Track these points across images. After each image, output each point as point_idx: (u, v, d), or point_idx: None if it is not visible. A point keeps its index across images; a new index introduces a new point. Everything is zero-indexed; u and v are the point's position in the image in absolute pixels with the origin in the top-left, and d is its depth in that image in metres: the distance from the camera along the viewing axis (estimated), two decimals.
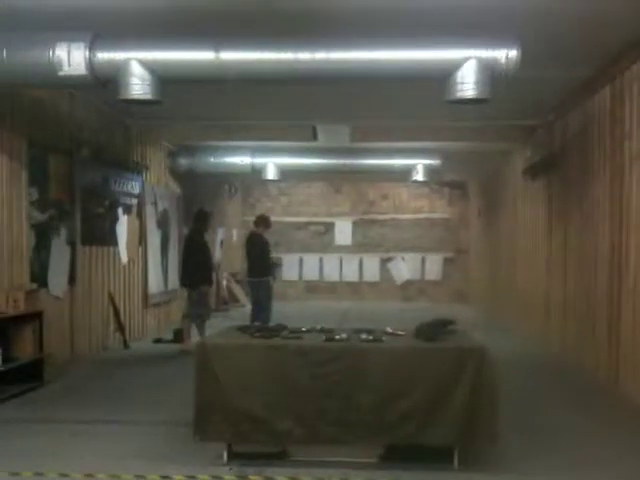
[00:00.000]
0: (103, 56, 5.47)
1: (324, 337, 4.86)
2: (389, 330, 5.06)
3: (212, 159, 12.38)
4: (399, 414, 4.47)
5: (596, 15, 5.79)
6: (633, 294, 6.61)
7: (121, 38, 5.58)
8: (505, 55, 5.50)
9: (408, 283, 18.33)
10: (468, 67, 5.51)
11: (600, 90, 7.61)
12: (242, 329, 5.24)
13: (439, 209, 18.48)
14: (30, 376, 6.92)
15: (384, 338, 4.81)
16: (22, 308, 6.93)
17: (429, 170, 12.57)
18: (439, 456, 4.57)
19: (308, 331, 5.13)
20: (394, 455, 4.67)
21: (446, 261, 18.29)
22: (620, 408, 6.34)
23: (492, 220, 14.81)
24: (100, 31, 5.45)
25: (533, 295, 10.91)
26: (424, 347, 4.63)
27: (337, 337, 4.83)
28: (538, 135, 10.53)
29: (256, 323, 7.65)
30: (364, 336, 4.85)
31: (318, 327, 5.25)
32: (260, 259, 10.39)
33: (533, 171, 10.59)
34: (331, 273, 18.47)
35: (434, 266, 18.30)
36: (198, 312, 9.65)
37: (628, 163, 6.79)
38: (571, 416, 6.04)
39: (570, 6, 5.63)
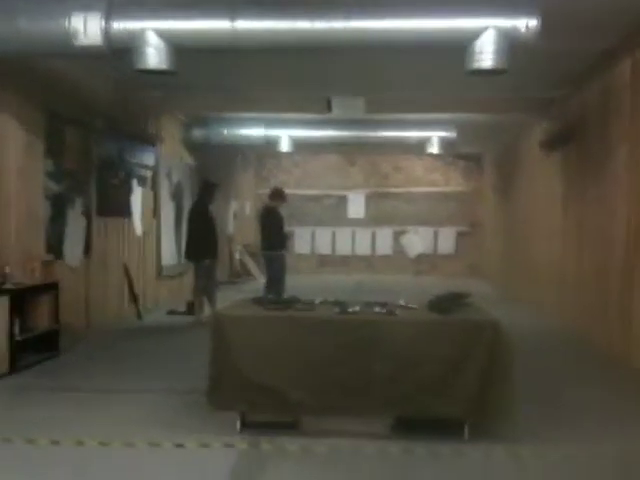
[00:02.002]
0: (119, 26, 5.45)
1: (337, 309, 4.86)
2: (402, 303, 5.05)
3: (226, 131, 12.35)
4: (412, 386, 4.49)
5: None
6: None
7: (136, 7, 5.54)
8: (525, 25, 5.42)
9: (421, 257, 18.30)
10: (487, 36, 5.44)
11: (620, 62, 7.48)
12: (256, 301, 5.26)
13: (453, 182, 18.37)
14: (46, 346, 7.01)
15: (397, 311, 4.80)
16: (38, 278, 7.00)
17: (444, 143, 12.48)
18: (449, 428, 4.60)
19: (321, 303, 5.14)
20: (404, 426, 4.70)
21: (459, 235, 18.23)
22: (631, 380, 6.34)
23: (507, 194, 14.71)
24: (114, 1, 5.41)
25: (547, 270, 10.86)
26: (437, 320, 4.63)
27: (350, 310, 4.83)
28: (555, 107, 10.40)
29: (270, 296, 7.66)
30: (377, 309, 4.85)
31: (331, 300, 5.26)
32: (275, 233, 10.36)
33: (550, 144, 10.47)
34: (344, 246, 18.47)
35: (447, 240, 18.25)
36: (205, 285, 9.68)
37: None
38: (582, 388, 6.05)
39: None
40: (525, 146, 12.96)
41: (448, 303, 4.85)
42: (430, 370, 4.48)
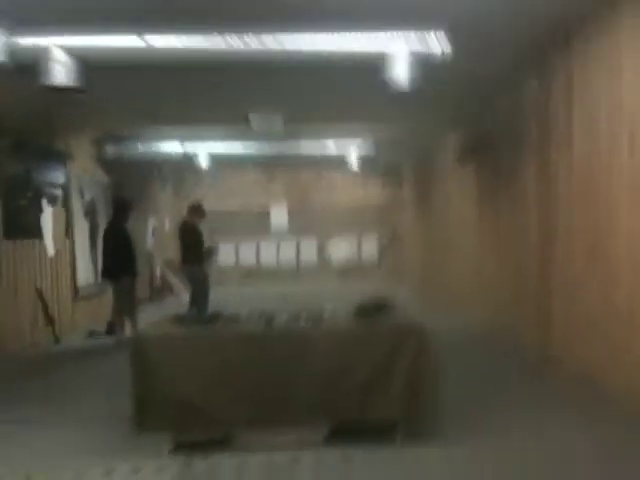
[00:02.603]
0: (24, 41, 5.26)
1: (263, 323, 4.81)
2: (329, 310, 5.07)
3: (141, 147, 12.08)
4: (342, 393, 4.52)
5: (521, 11, 5.84)
6: (560, 270, 6.85)
7: (42, 23, 5.33)
8: (436, 46, 5.55)
9: (344, 266, 18.50)
10: (398, 55, 5.54)
11: (526, 80, 7.77)
12: (178, 318, 5.14)
13: (373, 195, 18.64)
14: None
15: (323, 321, 4.81)
16: None
17: (363, 157, 12.65)
18: (382, 433, 4.66)
19: (247, 317, 5.06)
20: (339, 435, 4.69)
21: (382, 244, 18.55)
22: (553, 376, 6.55)
23: (426, 205, 15.03)
24: (21, 16, 5.19)
25: (466, 276, 11.15)
26: (362, 327, 4.69)
27: (275, 322, 4.80)
28: (469, 121, 10.70)
29: (192, 312, 7.52)
30: (303, 318, 4.85)
31: (257, 312, 5.18)
32: (194, 249, 10.21)
33: (464, 157, 10.76)
34: (268, 259, 18.46)
35: (370, 249, 18.55)
36: (125, 304, 9.42)
37: (555, 152, 6.97)
38: (506, 388, 6.19)
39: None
40: (441, 158, 13.28)
41: (372, 309, 4.91)
42: (359, 376, 4.53)
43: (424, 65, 5.64)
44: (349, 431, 4.71)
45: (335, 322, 4.84)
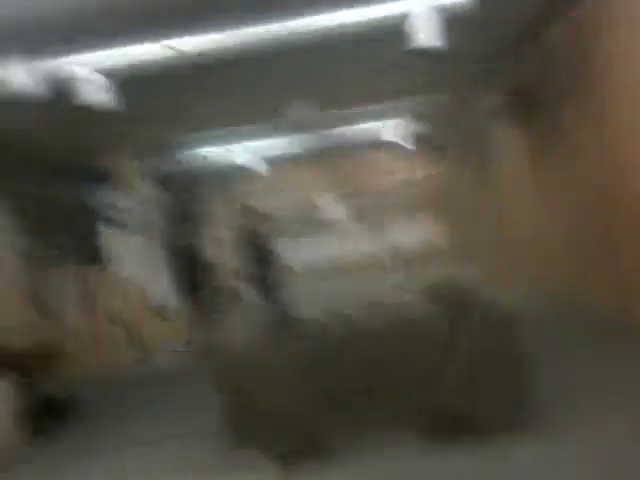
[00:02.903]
0: (53, 66, 5.33)
1: (337, 320, 4.73)
2: (396, 296, 4.96)
3: (185, 156, 12.07)
4: (435, 388, 4.35)
5: None
6: (633, 218, 6.45)
7: (69, 45, 5.39)
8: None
9: (406, 251, 18.32)
10: (422, 16, 5.38)
11: (559, 21, 7.44)
12: (259, 328, 5.14)
13: (424, 172, 18.36)
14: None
15: (393, 307, 4.72)
16: None
17: (407, 133, 12.43)
18: (486, 427, 4.29)
19: (319, 316, 5.00)
20: (442, 431, 4.40)
21: (439, 223, 18.26)
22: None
23: (477, 175, 14.66)
24: (45, 41, 5.26)
25: (528, 241, 10.80)
26: (434, 310, 4.56)
27: (354, 319, 4.72)
28: (505, 77, 10.36)
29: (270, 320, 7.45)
30: (381, 312, 4.77)
31: (334, 313, 5.05)
32: (255, 252, 10.04)
33: (506, 109, 10.40)
34: (331, 253, 18.45)
35: (428, 230, 18.35)
36: (202, 319, 9.46)
37: (599, 91, 6.64)
38: (592, 360, 5.77)
39: None
40: (484, 126, 12.88)
41: (440, 290, 4.76)
42: (451, 368, 4.33)
43: (451, 22, 5.46)
44: (452, 426, 4.39)
45: (404, 307, 4.71)
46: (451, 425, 4.36)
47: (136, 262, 10.95)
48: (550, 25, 7.68)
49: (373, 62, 8.29)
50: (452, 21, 5.48)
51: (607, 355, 5.84)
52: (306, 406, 4.41)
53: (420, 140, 15.55)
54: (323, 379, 4.42)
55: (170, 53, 5.49)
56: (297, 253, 18.24)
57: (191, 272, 9.38)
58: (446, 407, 4.34)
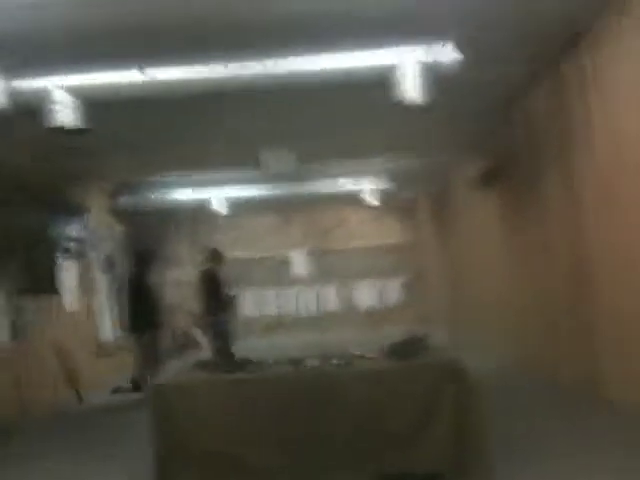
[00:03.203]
0: (23, 85, 5.16)
1: (293, 367, 4.51)
2: (359, 353, 4.75)
3: (156, 196, 11.97)
4: (380, 440, 4.14)
5: (533, 12, 5.72)
6: (603, 285, 6.43)
7: (40, 64, 5.24)
8: (447, 55, 5.39)
9: (369, 310, 18.08)
10: (408, 68, 5.37)
11: (539, 88, 7.55)
12: (201, 365, 4.86)
13: (394, 233, 18.36)
14: None
15: (356, 362, 4.49)
16: None
17: (381, 193, 12.46)
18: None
19: (275, 363, 4.77)
20: None
21: (406, 285, 18.13)
22: (604, 412, 5.99)
23: (446, 237, 14.72)
24: (18, 57, 5.11)
25: (495, 308, 10.73)
26: (400, 366, 4.33)
27: (307, 366, 4.48)
28: (485, 142, 10.47)
29: (218, 359, 7.22)
30: (335, 362, 4.53)
31: (285, 358, 4.89)
32: (215, 297, 9.95)
33: (483, 181, 10.49)
34: (291, 307, 18.12)
35: (393, 291, 18.14)
36: (147, 359, 9.14)
37: (578, 160, 6.69)
38: (558, 431, 5.60)
39: (504, 5, 5.52)
40: (459, 188, 13.02)
41: (407, 347, 4.57)
42: (398, 421, 4.15)
43: (435, 81, 5.44)
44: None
45: (368, 363, 4.52)
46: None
47: (91, 295, 10.62)
48: (531, 91, 7.78)
49: (355, 113, 8.28)
50: (437, 80, 5.47)
51: (570, 424, 5.70)
52: (246, 446, 4.16)
53: (394, 199, 15.58)
54: (269, 421, 4.20)
55: (147, 83, 5.35)
56: (257, 301, 17.97)
57: (144, 310, 9.08)
58: (397, 463, 4.14)
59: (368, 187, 12.44)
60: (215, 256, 10.34)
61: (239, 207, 13.17)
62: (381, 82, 5.53)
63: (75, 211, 10.33)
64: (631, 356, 5.82)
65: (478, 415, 4.14)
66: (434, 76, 5.45)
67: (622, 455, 4.69)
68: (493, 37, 6.22)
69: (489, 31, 6.03)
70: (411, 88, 5.34)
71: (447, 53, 5.40)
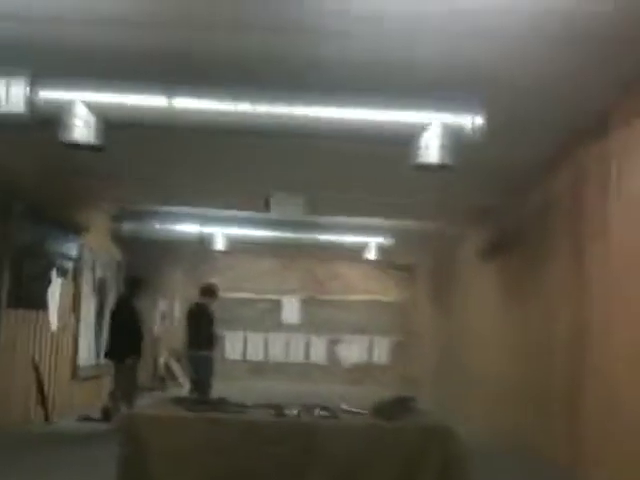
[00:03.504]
0: (45, 95, 5.07)
1: (273, 412, 4.31)
2: (345, 407, 4.56)
3: (158, 226, 11.88)
4: None
5: (561, 92, 5.74)
6: (596, 376, 6.29)
7: (66, 77, 5.19)
8: (471, 122, 5.34)
9: (356, 366, 17.78)
10: (433, 131, 5.31)
11: (560, 169, 7.53)
12: (177, 401, 4.67)
13: (389, 291, 18.22)
14: None
15: (340, 415, 4.30)
16: None
17: (381, 249, 12.39)
18: None
19: (253, 406, 4.59)
20: None
21: (395, 345, 17.89)
22: None
23: (442, 303, 14.57)
24: (43, 68, 5.06)
25: (486, 379, 10.53)
26: (385, 425, 4.14)
27: (287, 412, 4.28)
28: (493, 216, 10.44)
29: (194, 395, 7.01)
30: (318, 412, 4.33)
31: (264, 402, 4.72)
32: (202, 332, 9.78)
33: (488, 253, 10.43)
34: (277, 353, 17.82)
35: (382, 350, 17.88)
36: (125, 388, 8.89)
37: (589, 244, 6.62)
38: None
39: (536, 81, 5.55)
40: (460, 255, 12.97)
41: (393, 408, 4.38)
42: None
43: (457, 145, 5.39)
44: None
45: (352, 418, 4.32)
46: None
47: (77, 316, 10.40)
48: (550, 172, 7.76)
49: (370, 169, 8.25)
50: (457, 148, 5.42)
51: None
52: None
53: (394, 258, 15.50)
54: (241, 468, 3.99)
55: (170, 111, 5.27)
56: (244, 343, 17.70)
57: (127, 338, 8.89)
58: None
59: (370, 243, 12.36)
60: (210, 291, 10.21)
61: (239, 246, 13.04)
62: (401, 142, 5.47)
63: (74, 230, 10.17)
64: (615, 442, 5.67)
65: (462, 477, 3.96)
66: (456, 143, 5.40)
67: None
68: (519, 114, 6.25)
69: (516, 109, 6.05)
70: (434, 152, 5.27)
71: (473, 121, 5.34)
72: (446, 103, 5.43)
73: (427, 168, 5.53)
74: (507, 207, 9.76)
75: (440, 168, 5.51)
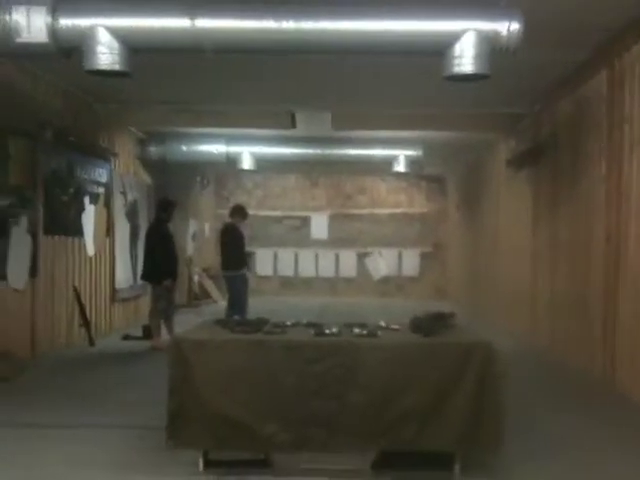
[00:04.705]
0: (66, 22, 4.97)
1: (313, 332, 4.39)
2: (383, 324, 4.63)
3: (184, 147, 11.87)
4: (397, 416, 4.05)
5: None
6: (633, 286, 6.28)
7: (87, 2, 5.07)
8: (507, 28, 5.12)
9: (385, 279, 17.95)
10: (467, 40, 5.11)
11: (596, 75, 7.26)
12: (220, 323, 4.78)
13: (417, 203, 18.14)
14: None
15: (379, 333, 4.36)
16: None
17: (410, 161, 12.24)
18: (437, 462, 4.15)
19: (293, 325, 4.68)
20: (388, 462, 4.22)
21: (424, 256, 17.95)
22: (618, 406, 6.00)
23: (473, 214, 14.49)
24: None
25: (518, 291, 10.57)
26: (426, 342, 4.20)
27: (327, 332, 4.36)
28: (525, 124, 10.20)
29: (235, 317, 7.16)
30: (357, 330, 4.41)
31: (304, 321, 4.81)
32: (235, 251, 9.90)
33: (518, 162, 10.25)
34: (307, 268, 18.01)
35: (411, 262, 17.95)
36: (163, 308, 9.13)
37: (628, 148, 6.45)
38: (569, 417, 5.68)
39: None
40: (491, 164, 12.77)
41: (432, 324, 4.43)
42: (417, 398, 4.05)
43: (493, 53, 5.19)
44: (400, 458, 4.21)
45: (392, 335, 4.38)
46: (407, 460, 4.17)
47: (112, 241, 10.57)
48: (583, 80, 7.50)
49: (398, 82, 8.04)
50: (498, 52, 5.21)
51: (586, 417, 5.62)
52: (258, 412, 4.07)
53: (423, 170, 15.32)
54: (283, 387, 4.09)
55: (193, 32, 5.13)
56: (274, 260, 17.91)
57: (162, 260, 9.02)
58: (408, 440, 4.06)
59: (399, 156, 12.19)
60: (239, 211, 10.26)
61: (266, 165, 12.99)
62: (435, 52, 5.28)
63: (103, 156, 10.18)
64: None
65: (497, 398, 4.04)
66: (494, 48, 5.19)
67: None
68: (555, 20, 5.98)
69: (552, 13, 5.78)
70: (469, 61, 5.09)
71: (509, 27, 5.12)
72: (480, 9, 5.20)
73: (462, 78, 5.37)
74: (539, 115, 9.50)
75: (475, 78, 5.35)
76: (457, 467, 4.11)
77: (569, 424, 5.43)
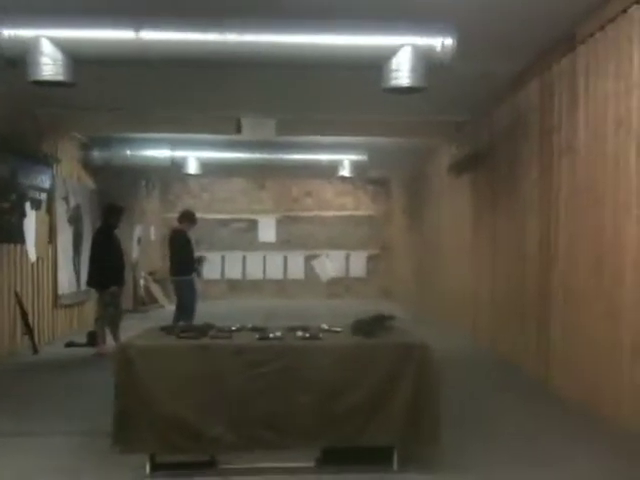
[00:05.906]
0: (9, 33, 4.98)
1: (257, 336, 4.54)
2: (325, 327, 4.80)
3: (129, 152, 11.80)
4: (340, 414, 4.24)
5: (528, 10, 5.75)
6: (562, 286, 6.62)
7: (30, 14, 5.08)
8: (441, 43, 5.37)
9: (333, 280, 18.19)
10: (403, 54, 5.34)
11: (528, 85, 7.61)
12: (166, 329, 4.86)
13: (363, 206, 18.43)
14: None
15: (321, 335, 4.54)
16: None
17: (355, 166, 12.47)
18: (378, 457, 4.37)
19: (238, 330, 4.80)
20: (331, 459, 4.41)
21: (371, 258, 18.27)
22: (550, 404, 6.31)
23: (417, 217, 14.84)
24: (6, 5, 4.95)
25: (460, 292, 10.93)
26: (365, 344, 4.40)
27: (271, 335, 4.52)
28: (464, 131, 10.55)
29: (181, 323, 7.21)
30: (300, 334, 4.57)
31: (249, 325, 4.94)
32: (183, 257, 9.92)
33: (459, 167, 10.59)
34: (255, 271, 18.11)
35: (359, 263, 18.25)
36: (109, 314, 9.10)
37: (557, 157, 6.79)
38: (505, 413, 5.97)
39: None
40: (433, 170, 13.12)
41: (372, 326, 4.63)
42: (358, 397, 4.25)
43: (428, 67, 5.42)
44: (343, 454, 4.41)
45: (334, 338, 4.56)
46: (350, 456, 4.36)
47: (55, 247, 10.46)
48: (520, 87, 7.83)
49: (340, 91, 8.23)
50: (428, 66, 5.46)
51: (519, 414, 5.90)
52: (203, 415, 4.19)
53: (368, 174, 15.61)
54: (228, 390, 4.23)
55: (134, 42, 5.20)
56: (222, 263, 17.94)
57: (108, 266, 8.98)
58: (350, 438, 4.27)
59: (344, 160, 12.42)
60: (188, 216, 10.27)
61: (212, 169, 13.03)
62: (373, 66, 5.48)
63: (45, 161, 10.08)
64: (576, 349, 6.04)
65: (434, 396, 4.27)
66: (429, 63, 5.43)
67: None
68: (489, 35, 6.26)
69: (486, 24, 6.06)
70: (405, 74, 5.31)
71: (443, 42, 5.36)
72: (416, 26, 5.43)
73: (399, 91, 5.59)
74: (478, 123, 9.85)
75: (412, 91, 5.57)
76: (395, 461, 4.32)
77: (503, 421, 5.71)
